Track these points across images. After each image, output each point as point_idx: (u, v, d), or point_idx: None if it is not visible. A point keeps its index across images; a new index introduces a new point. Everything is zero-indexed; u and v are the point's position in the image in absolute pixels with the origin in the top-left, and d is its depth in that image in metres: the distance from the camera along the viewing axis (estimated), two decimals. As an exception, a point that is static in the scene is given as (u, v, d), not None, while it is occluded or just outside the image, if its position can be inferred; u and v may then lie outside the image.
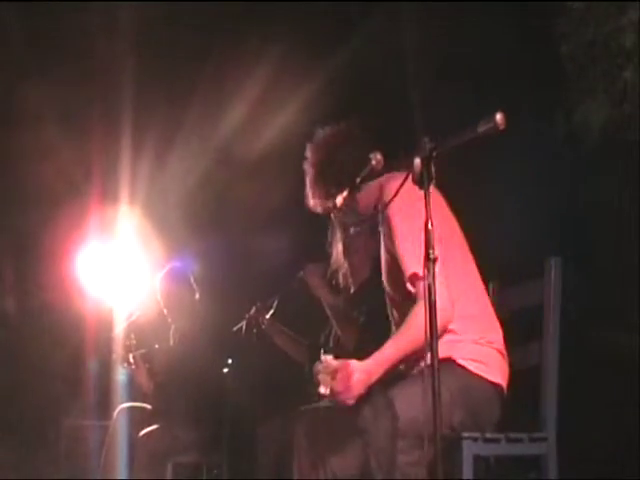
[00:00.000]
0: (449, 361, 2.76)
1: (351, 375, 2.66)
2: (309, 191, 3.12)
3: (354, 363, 2.70)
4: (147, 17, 5.24)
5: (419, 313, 2.67)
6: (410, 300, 2.82)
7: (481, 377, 2.77)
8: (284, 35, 5.15)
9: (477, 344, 2.81)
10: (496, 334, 2.87)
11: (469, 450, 2.73)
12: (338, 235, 4.07)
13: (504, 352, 2.86)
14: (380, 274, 4.04)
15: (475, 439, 2.74)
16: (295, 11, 5.15)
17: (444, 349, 2.75)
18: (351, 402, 2.67)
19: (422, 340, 2.61)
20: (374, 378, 2.66)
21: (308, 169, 3.12)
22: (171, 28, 5.38)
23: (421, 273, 2.64)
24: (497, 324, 2.89)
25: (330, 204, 2.97)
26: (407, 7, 4.96)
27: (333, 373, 2.67)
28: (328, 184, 3.04)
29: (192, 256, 5.20)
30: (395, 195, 2.71)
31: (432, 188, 2.64)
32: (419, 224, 2.63)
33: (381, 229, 2.98)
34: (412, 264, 2.76)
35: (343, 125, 3.10)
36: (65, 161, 5.43)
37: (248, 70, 5.27)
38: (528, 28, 4.46)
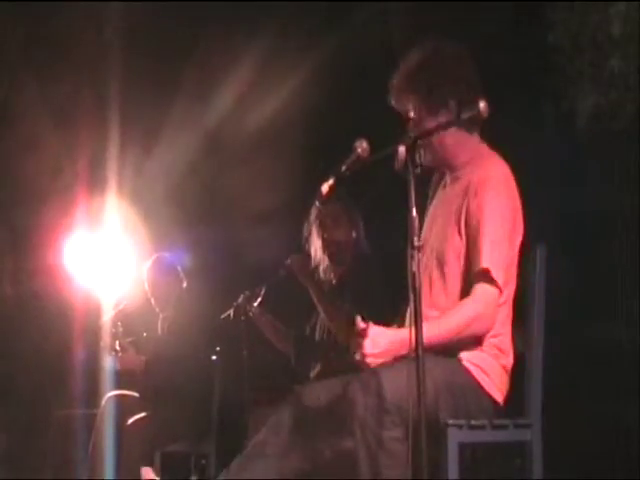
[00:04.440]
0: (456, 360, 2.77)
1: (379, 342, 2.63)
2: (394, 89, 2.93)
3: (389, 331, 2.66)
4: (134, 7, 5.22)
5: (467, 312, 2.70)
6: (443, 281, 2.82)
7: (481, 386, 2.78)
8: (273, 23, 5.14)
9: (489, 355, 2.80)
10: (509, 352, 2.86)
11: (454, 437, 2.73)
12: (316, 230, 4.08)
13: (509, 371, 2.86)
14: (361, 263, 4.05)
15: (460, 426, 2.74)
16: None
17: (458, 347, 2.79)
18: (372, 365, 2.63)
19: (460, 335, 2.70)
20: (403, 352, 2.59)
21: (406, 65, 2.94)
22: (158, 19, 5.37)
23: (494, 275, 2.70)
24: (510, 344, 2.88)
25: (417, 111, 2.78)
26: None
27: (364, 332, 2.63)
28: (414, 93, 2.87)
29: (181, 246, 5.21)
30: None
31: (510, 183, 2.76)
32: (512, 220, 2.75)
33: (460, 195, 2.87)
34: (491, 260, 2.71)
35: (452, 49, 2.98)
36: (52, 151, 5.42)
37: (236, 60, 5.26)
38: (515, 18, 4.46)
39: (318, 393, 2.86)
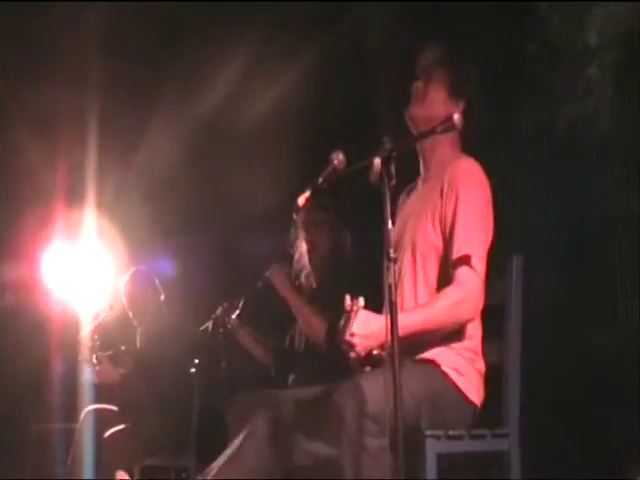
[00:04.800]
0: (433, 364, 2.78)
1: (370, 324, 2.62)
2: (422, 99, 3.02)
3: (379, 316, 2.63)
4: (114, 15, 5.21)
5: (452, 296, 2.72)
6: (421, 275, 2.85)
7: (459, 389, 2.79)
8: (256, 28, 5.13)
9: (464, 358, 2.82)
10: (480, 356, 2.89)
11: (432, 448, 2.73)
12: (301, 236, 4.09)
13: (482, 374, 2.89)
14: (342, 270, 4.05)
15: (438, 437, 2.75)
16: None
17: (433, 352, 2.81)
18: (359, 347, 2.63)
19: (447, 321, 2.73)
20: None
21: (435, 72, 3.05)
22: (138, 27, 5.35)
23: (474, 262, 2.74)
24: (481, 349, 2.90)
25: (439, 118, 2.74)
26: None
27: (350, 312, 2.63)
28: (454, 92, 2.99)
29: (159, 258, 5.20)
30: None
31: (483, 179, 2.83)
32: (486, 212, 2.81)
33: (434, 192, 2.93)
34: (470, 247, 2.76)
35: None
36: (30, 162, 5.39)
37: (217, 69, 5.25)
38: (494, 29, 4.48)
39: (297, 397, 2.86)
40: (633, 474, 2.50)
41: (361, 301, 2.64)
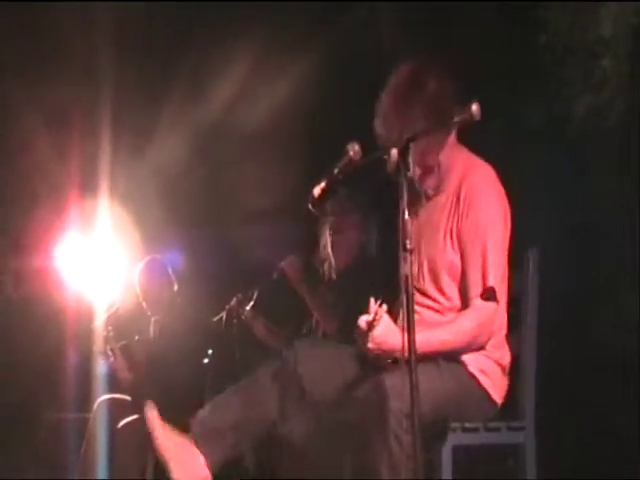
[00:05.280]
0: (461, 365, 2.78)
1: (392, 338, 2.64)
2: (385, 119, 2.89)
3: (399, 334, 2.60)
4: (125, 9, 5.21)
5: (469, 324, 2.73)
6: (438, 298, 2.83)
7: (485, 390, 2.80)
8: (263, 26, 5.13)
9: (489, 358, 2.83)
10: (505, 350, 2.89)
11: (449, 440, 2.75)
12: (327, 224, 4.08)
13: (507, 370, 2.88)
14: (364, 262, 4.04)
15: (454, 429, 2.76)
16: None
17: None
18: (373, 353, 2.66)
19: (454, 347, 2.74)
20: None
21: (392, 93, 2.90)
22: (149, 20, 5.35)
23: (497, 292, 2.73)
24: (505, 341, 2.90)
25: (405, 136, 2.60)
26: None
27: (375, 316, 2.64)
28: (412, 111, 2.83)
29: (173, 248, 5.20)
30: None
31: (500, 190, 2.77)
32: (505, 230, 2.78)
33: (449, 205, 2.87)
34: (494, 278, 2.74)
35: (433, 60, 2.95)
36: (44, 154, 5.40)
37: (227, 61, 5.25)
38: (507, 20, 4.46)
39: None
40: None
41: (384, 308, 2.65)
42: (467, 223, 2.80)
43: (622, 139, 4.07)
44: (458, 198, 2.83)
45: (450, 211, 2.85)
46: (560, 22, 4.24)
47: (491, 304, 2.76)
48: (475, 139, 2.95)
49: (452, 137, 2.91)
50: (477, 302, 2.76)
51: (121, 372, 4.68)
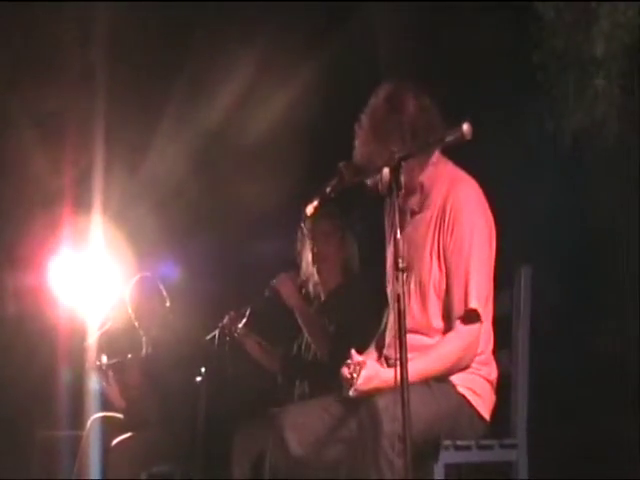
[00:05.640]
0: (449, 385, 2.78)
1: (375, 379, 2.66)
2: (363, 143, 2.87)
3: (382, 372, 2.69)
4: (120, 21, 5.22)
5: (457, 349, 2.73)
6: (423, 319, 2.82)
7: (474, 408, 2.80)
8: (262, 37, 5.13)
9: (478, 375, 2.82)
10: (493, 367, 2.88)
11: (441, 458, 2.74)
12: (308, 244, 4.08)
13: (494, 386, 2.88)
14: (350, 282, 4.05)
15: (446, 447, 2.75)
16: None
17: None
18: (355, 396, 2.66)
19: (445, 372, 2.74)
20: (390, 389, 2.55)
21: (370, 115, 2.89)
22: (144, 35, 5.36)
23: (481, 313, 2.73)
24: (492, 356, 2.89)
25: (381, 161, 2.62)
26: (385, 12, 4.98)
27: (356, 367, 2.65)
28: (389, 137, 2.80)
29: (166, 265, 5.20)
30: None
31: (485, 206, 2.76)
32: (490, 249, 2.76)
33: (434, 223, 2.85)
34: (477, 300, 2.73)
35: (413, 87, 2.91)
36: (38, 169, 5.40)
37: (223, 77, 5.26)
38: (500, 37, 4.48)
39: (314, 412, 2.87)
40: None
41: (367, 356, 2.69)
42: (451, 242, 2.78)
43: (614, 156, 4.09)
44: (443, 215, 2.82)
45: (435, 228, 2.83)
46: (554, 40, 4.26)
47: (474, 326, 2.75)
48: (468, 155, 2.96)
49: (436, 154, 2.89)
50: (460, 325, 2.75)
51: (115, 398, 4.68)
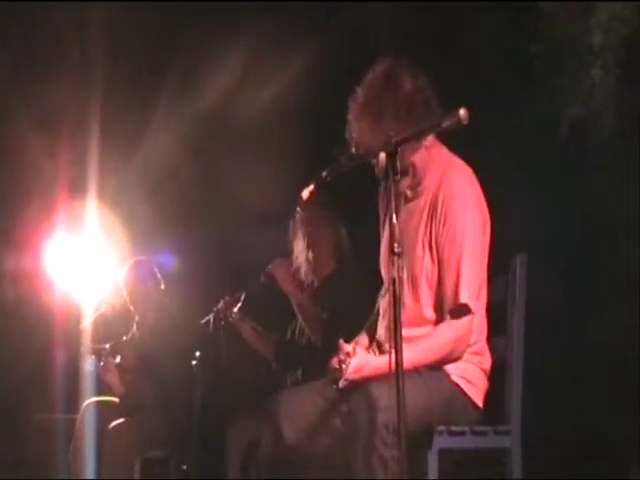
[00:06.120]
0: (443, 373, 2.77)
1: (365, 368, 2.65)
2: (356, 118, 2.83)
3: (372, 360, 2.67)
4: (116, 12, 5.21)
5: (445, 338, 2.72)
6: (415, 301, 2.81)
7: (468, 397, 2.80)
8: (254, 27, 5.13)
9: (472, 364, 2.82)
10: (486, 356, 2.88)
11: (435, 444, 2.75)
12: (300, 231, 4.08)
13: (488, 374, 2.88)
14: (343, 269, 4.05)
15: (440, 432, 2.76)
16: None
17: None
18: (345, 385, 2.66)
19: (437, 362, 2.72)
20: (382, 376, 2.54)
21: (365, 90, 2.83)
22: (139, 24, 5.35)
23: (473, 309, 2.71)
24: (487, 346, 2.89)
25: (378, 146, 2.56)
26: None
27: (346, 357, 2.64)
28: (383, 112, 2.75)
29: (161, 249, 5.20)
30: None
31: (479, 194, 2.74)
32: (483, 238, 2.74)
33: (428, 210, 2.82)
34: (468, 293, 2.72)
35: (411, 64, 2.86)
36: (33, 154, 5.39)
37: (217, 63, 5.25)
38: (498, 28, 4.48)
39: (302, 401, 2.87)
40: (635, 473, 2.51)
41: (356, 344, 2.68)
42: (444, 232, 2.76)
43: (611, 146, 4.11)
44: (436, 203, 2.79)
45: (428, 218, 2.81)
46: (552, 31, 4.27)
47: (466, 319, 2.73)
48: (465, 144, 2.96)
49: (430, 138, 2.84)
50: (454, 316, 2.74)
51: (114, 383, 4.67)
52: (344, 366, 2.62)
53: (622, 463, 3.71)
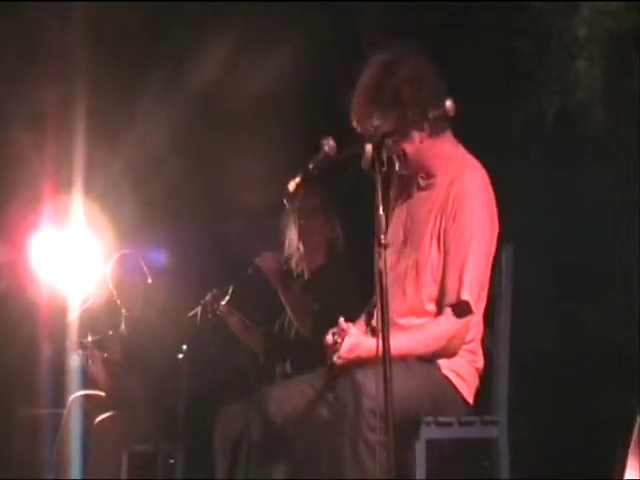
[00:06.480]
0: (434, 365, 2.78)
1: (359, 348, 2.65)
2: (359, 105, 2.82)
3: (366, 341, 2.66)
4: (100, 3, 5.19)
5: (445, 333, 2.73)
6: (418, 291, 2.81)
7: (458, 391, 2.80)
8: (241, 18, 5.11)
9: (465, 360, 2.83)
10: (479, 356, 2.88)
11: (422, 434, 2.76)
12: (293, 220, 4.09)
13: (480, 373, 2.89)
14: (335, 260, 4.06)
15: (428, 423, 2.77)
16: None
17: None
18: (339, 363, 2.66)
19: (432, 353, 2.74)
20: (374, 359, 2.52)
21: (367, 78, 2.84)
22: (125, 16, 5.32)
23: (473, 308, 2.72)
24: (481, 346, 2.90)
25: (371, 128, 2.62)
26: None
27: (341, 333, 2.65)
28: (377, 106, 2.77)
29: (148, 243, 5.19)
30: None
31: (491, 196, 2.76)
32: (491, 249, 2.76)
33: (439, 203, 2.82)
34: (469, 290, 2.72)
35: (411, 55, 2.86)
36: (19, 148, 5.37)
37: (203, 56, 5.24)
38: (484, 21, 4.48)
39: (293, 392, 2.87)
40: (622, 460, 2.52)
41: (351, 324, 2.67)
42: (452, 227, 2.77)
43: (597, 138, 4.11)
44: (447, 197, 2.79)
45: (439, 210, 2.81)
46: (536, 24, 4.27)
47: (465, 316, 2.75)
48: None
49: (448, 133, 2.86)
50: (451, 314, 2.75)
51: (100, 376, 4.66)
52: (339, 341, 2.63)
53: (608, 449, 3.73)
